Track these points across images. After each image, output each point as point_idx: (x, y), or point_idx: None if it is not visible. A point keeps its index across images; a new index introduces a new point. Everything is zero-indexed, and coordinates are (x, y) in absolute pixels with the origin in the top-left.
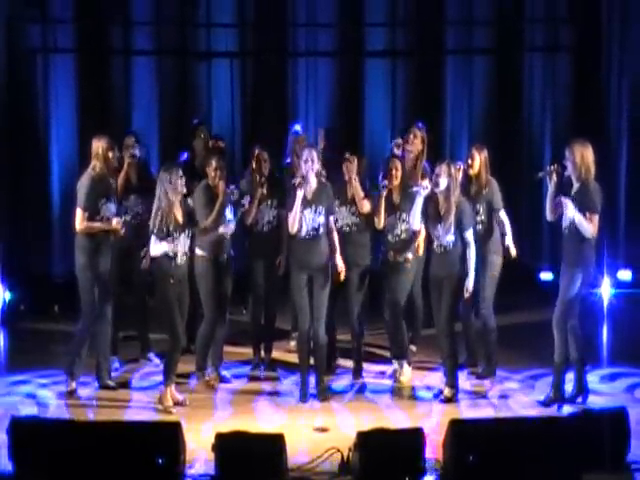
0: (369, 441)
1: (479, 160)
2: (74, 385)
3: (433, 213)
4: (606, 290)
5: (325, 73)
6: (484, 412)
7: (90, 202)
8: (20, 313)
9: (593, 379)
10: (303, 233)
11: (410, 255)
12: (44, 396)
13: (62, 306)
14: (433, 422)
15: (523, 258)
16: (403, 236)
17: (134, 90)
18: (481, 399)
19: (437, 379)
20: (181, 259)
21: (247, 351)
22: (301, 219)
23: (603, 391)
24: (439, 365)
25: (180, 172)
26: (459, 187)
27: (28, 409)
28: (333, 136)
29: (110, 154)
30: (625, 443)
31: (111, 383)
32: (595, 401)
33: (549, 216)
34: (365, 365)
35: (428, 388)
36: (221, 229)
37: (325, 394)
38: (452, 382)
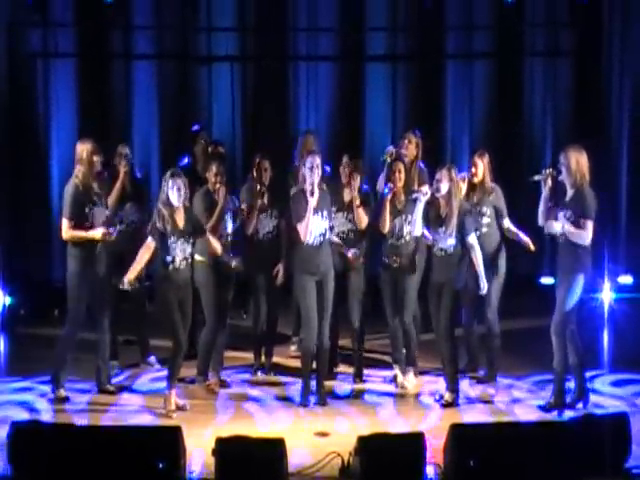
0: (370, 445)
1: (482, 167)
2: (63, 392)
3: (434, 217)
4: (607, 295)
5: (326, 77)
6: (485, 417)
7: (75, 211)
8: (20, 318)
9: (595, 385)
10: (311, 240)
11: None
12: (43, 401)
13: (62, 311)
14: (434, 426)
15: (523, 263)
16: (407, 238)
17: (135, 94)
18: (481, 404)
19: (435, 384)
20: (180, 264)
21: (248, 356)
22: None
23: (605, 397)
24: (438, 370)
25: (185, 179)
26: (461, 192)
27: (28, 414)
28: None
29: (95, 158)
30: (626, 449)
31: (111, 387)
32: (596, 407)
33: (541, 220)
34: (366, 371)
35: (430, 394)
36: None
37: (326, 398)
38: (453, 387)
